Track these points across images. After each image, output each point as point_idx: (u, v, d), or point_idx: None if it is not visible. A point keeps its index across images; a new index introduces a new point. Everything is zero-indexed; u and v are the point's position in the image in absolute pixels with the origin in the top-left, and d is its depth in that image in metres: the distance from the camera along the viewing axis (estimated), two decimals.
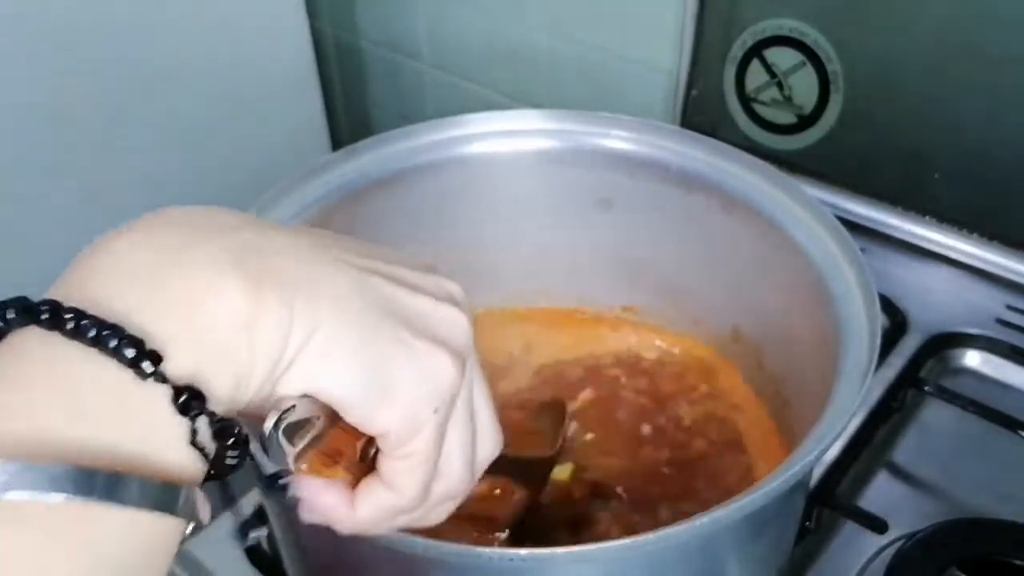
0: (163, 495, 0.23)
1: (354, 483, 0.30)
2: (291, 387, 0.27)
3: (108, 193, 0.86)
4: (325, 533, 0.31)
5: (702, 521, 0.35)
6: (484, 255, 0.61)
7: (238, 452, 0.26)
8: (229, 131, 0.93)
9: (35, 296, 0.25)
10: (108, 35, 0.81)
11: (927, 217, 0.73)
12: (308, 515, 0.30)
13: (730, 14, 0.75)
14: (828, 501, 0.54)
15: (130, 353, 0.23)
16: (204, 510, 0.25)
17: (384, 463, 0.30)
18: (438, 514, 0.33)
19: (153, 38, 0.84)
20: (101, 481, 0.22)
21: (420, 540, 0.35)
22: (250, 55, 0.92)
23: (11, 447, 0.21)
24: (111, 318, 0.24)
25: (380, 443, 0.29)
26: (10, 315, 0.24)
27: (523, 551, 0.35)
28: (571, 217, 0.60)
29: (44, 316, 0.23)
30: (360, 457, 0.30)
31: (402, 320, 0.28)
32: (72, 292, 0.24)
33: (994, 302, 0.69)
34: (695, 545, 0.39)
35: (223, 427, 0.25)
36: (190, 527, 0.25)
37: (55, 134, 0.81)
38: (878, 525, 0.52)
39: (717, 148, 0.55)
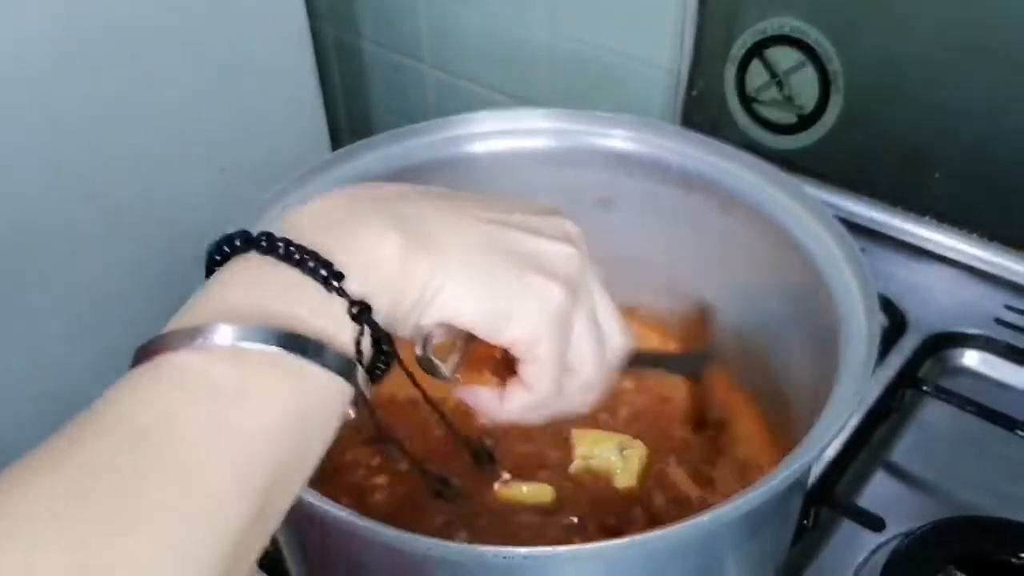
0: (346, 365, 0.31)
1: (501, 383, 0.39)
2: (431, 317, 0.35)
3: (108, 193, 0.87)
4: (324, 532, 0.31)
5: (701, 520, 0.35)
6: None
7: (386, 360, 0.34)
8: (229, 131, 0.94)
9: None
10: (108, 35, 0.81)
11: (927, 217, 0.73)
12: (475, 411, 0.40)
13: (730, 14, 0.75)
14: (826, 500, 0.54)
15: (322, 272, 0.32)
16: (366, 386, 0.33)
17: (520, 367, 0.37)
18: (581, 403, 0.40)
19: (153, 38, 0.84)
20: (309, 345, 0.30)
21: (421, 539, 0.35)
22: (250, 56, 0.92)
23: (246, 318, 0.30)
24: (310, 248, 0.32)
25: (512, 352, 0.37)
26: (237, 242, 0.33)
27: (523, 550, 0.35)
28: (571, 217, 0.60)
29: (263, 243, 0.32)
30: (501, 364, 0.39)
31: (520, 258, 0.36)
32: (283, 232, 0.33)
33: (993, 302, 0.69)
34: (694, 544, 0.39)
35: (380, 337, 0.33)
36: (352, 395, 0.32)
37: (55, 134, 0.81)
38: (876, 524, 0.52)
39: (717, 148, 0.55)
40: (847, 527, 0.54)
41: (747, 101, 0.78)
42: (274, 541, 0.53)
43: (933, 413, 0.62)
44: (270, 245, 0.32)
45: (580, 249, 0.39)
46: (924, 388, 0.61)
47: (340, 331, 0.32)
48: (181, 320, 0.31)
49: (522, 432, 0.52)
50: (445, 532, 0.49)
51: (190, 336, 0.29)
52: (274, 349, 0.30)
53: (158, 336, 0.30)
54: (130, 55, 0.83)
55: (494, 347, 0.37)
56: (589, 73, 0.89)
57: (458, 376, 0.37)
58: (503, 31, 0.93)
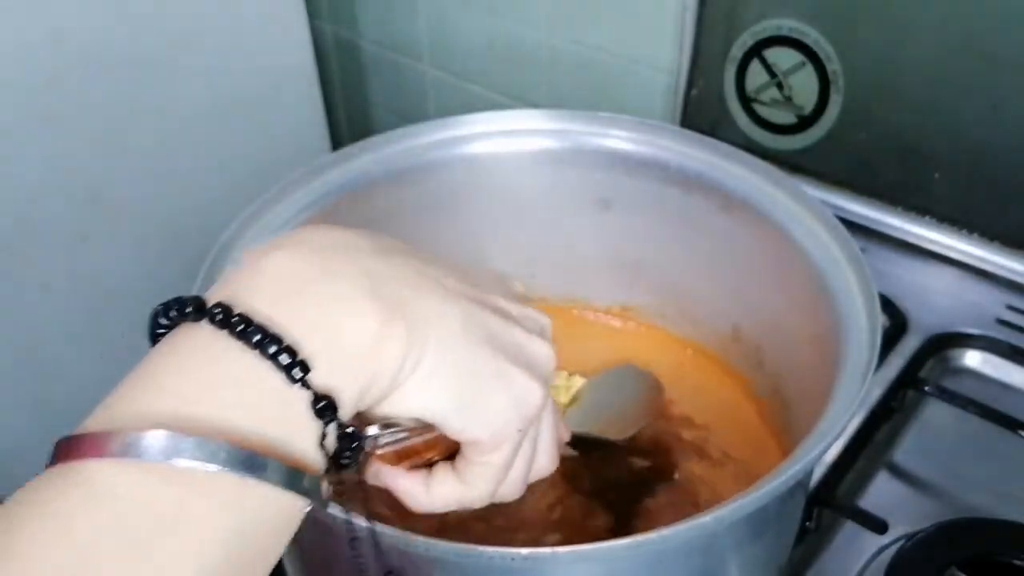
0: (296, 478, 0.27)
1: (418, 468, 0.35)
2: (396, 404, 0.31)
3: (108, 193, 0.86)
4: (324, 533, 0.31)
5: (703, 521, 0.35)
6: (483, 255, 0.61)
7: (353, 455, 0.30)
8: (229, 131, 0.93)
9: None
10: (108, 35, 0.81)
11: (927, 217, 0.73)
12: (397, 491, 0.35)
13: (730, 14, 0.75)
14: (828, 501, 0.54)
15: (285, 360, 0.27)
16: (325, 494, 0.29)
17: (464, 465, 0.34)
18: (500, 497, 0.36)
19: (153, 37, 0.84)
20: (253, 461, 0.26)
21: (420, 539, 0.35)
22: (250, 55, 0.92)
23: (183, 425, 0.26)
24: (271, 328, 0.28)
25: (465, 450, 0.34)
26: (188, 309, 0.28)
27: (523, 551, 0.35)
28: (571, 217, 0.60)
29: (218, 316, 0.28)
30: (424, 464, 0.35)
31: (500, 348, 0.32)
32: (236, 300, 0.28)
33: (994, 302, 0.69)
34: (695, 545, 0.39)
35: (347, 434, 0.29)
36: (309, 507, 0.28)
37: (55, 134, 0.81)
38: (878, 525, 0.52)
39: (717, 148, 0.55)
40: (849, 529, 0.54)
41: (747, 101, 0.78)
42: None
43: (935, 414, 0.62)
44: (225, 319, 0.28)
45: (552, 348, 0.35)
46: (926, 389, 0.61)
47: (299, 433, 0.28)
48: (112, 410, 0.27)
49: None
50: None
51: (117, 443, 0.25)
52: (214, 468, 0.25)
53: (81, 435, 0.26)
54: (130, 55, 0.83)
55: (426, 446, 0.34)
56: (589, 73, 0.89)
57: (380, 454, 0.34)
58: (503, 31, 0.93)
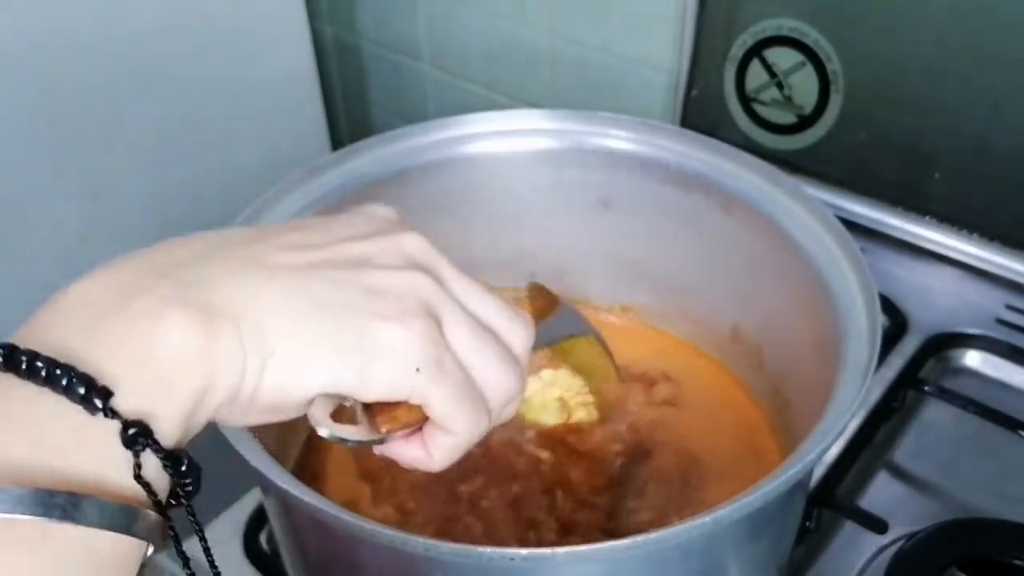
0: (121, 517, 0.25)
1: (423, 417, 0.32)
2: (277, 399, 0.29)
3: (108, 193, 0.86)
4: (323, 533, 0.31)
5: (702, 521, 0.35)
6: (483, 255, 0.61)
7: (191, 481, 0.27)
8: (229, 131, 0.93)
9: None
10: (108, 35, 0.81)
11: (927, 217, 0.73)
12: (408, 466, 0.33)
13: (730, 14, 0.75)
14: (828, 501, 0.54)
15: (80, 390, 0.25)
16: (162, 533, 0.26)
17: (427, 412, 0.32)
18: (508, 414, 0.34)
19: (153, 38, 0.84)
20: (60, 502, 0.23)
21: (420, 540, 0.35)
22: (250, 55, 0.92)
23: None
24: (63, 358, 0.25)
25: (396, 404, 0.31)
26: None
27: (523, 551, 0.35)
28: (571, 217, 0.60)
29: (2, 357, 0.25)
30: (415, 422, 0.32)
31: (352, 305, 0.30)
32: (31, 336, 0.26)
33: (994, 302, 0.69)
34: (695, 545, 0.39)
35: (171, 459, 0.26)
36: (150, 549, 0.26)
37: (55, 134, 0.81)
38: (878, 525, 0.52)
39: (717, 148, 0.55)
40: (850, 529, 0.54)
41: (747, 101, 0.78)
42: (273, 541, 0.53)
43: (935, 414, 0.62)
44: (8, 360, 0.25)
45: (424, 263, 0.33)
46: (926, 389, 0.61)
47: (116, 466, 0.25)
48: None
49: None
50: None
51: None
52: (8, 516, 0.23)
53: None
54: (130, 55, 0.83)
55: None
56: (589, 74, 0.89)
57: (383, 429, 0.32)
58: (503, 31, 0.93)
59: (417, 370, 0.30)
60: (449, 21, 0.97)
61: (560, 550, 0.35)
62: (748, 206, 0.53)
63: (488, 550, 0.35)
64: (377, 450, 0.33)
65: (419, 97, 1.07)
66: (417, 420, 0.32)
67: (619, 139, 0.57)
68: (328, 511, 0.36)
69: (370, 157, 0.55)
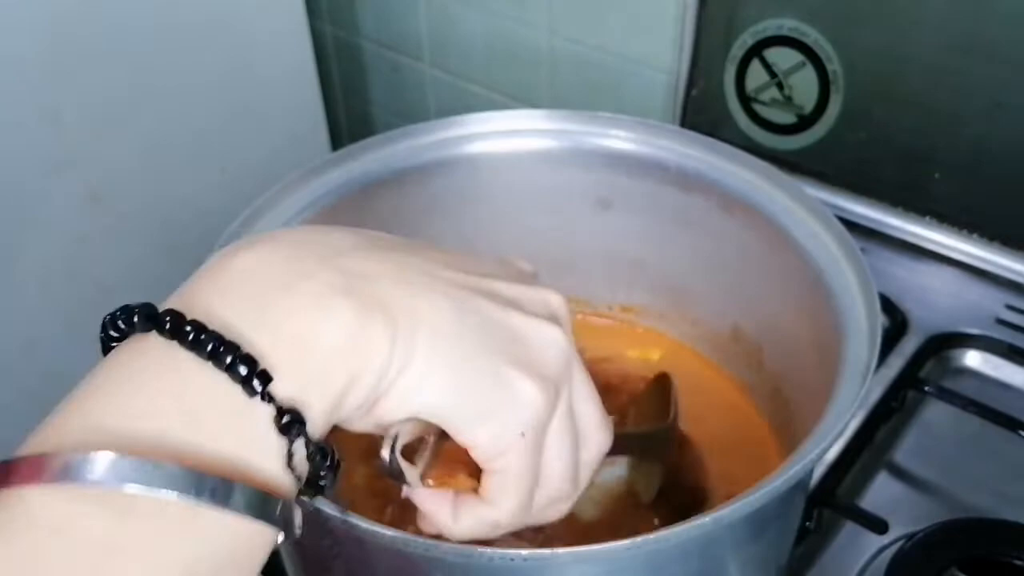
0: (263, 504, 0.24)
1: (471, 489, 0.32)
2: (392, 408, 0.28)
3: (108, 193, 0.86)
4: (323, 533, 0.31)
5: (702, 521, 0.35)
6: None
7: (329, 474, 0.27)
8: (229, 131, 0.93)
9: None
10: (108, 35, 0.81)
11: (927, 217, 0.73)
12: (423, 525, 0.32)
13: (730, 14, 0.75)
14: (828, 501, 0.54)
15: (243, 371, 0.25)
16: (298, 521, 0.26)
17: (484, 477, 0.31)
18: (551, 515, 0.33)
19: (153, 38, 0.84)
20: (210, 485, 0.23)
21: (420, 540, 0.35)
22: (250, 55, 0.92)
23: (132, 445, 0.23)
24: (228, 335, 0.25)
25: (472, 455, 0.30)
26: (136, 319, 0.25)
27: (523, 551, 0.35)
28: (570, 217, 0.60)
29: (167, 325, 0.25)
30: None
31: (497, 344, 0.29)
32: (194, 305, 0.26)
33: (994, 302, 0.69)
34: (695, 545, 0.39)
35: (317, 451, 0.26)
36: (281, 536, 0.26)
37: (55, 134, 0.81)
38: (878, 525, 0.52)
39: (717, 148, 0.55)
40: (850, 529, 0.54)
41: (747, 101, 0.78)
42: None
43: (935, 414, 0.62)
44: (175, 328, 0.25)
45: (565, 329, 0.32)
46: (926, 389, 0.61)
47: (262, 452, 0.25)
48: (51, 430, 0.24)
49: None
50: None
51: (54, 467, 0.22)
52: (164, 493, 0.23)
53: (16, 459, 0.23)
54: (130, 55, 0.83)
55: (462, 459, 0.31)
56: (589, 74, 0.89)
57: (430, 482, 0.31)
58: (503, 31, 0.93)
59: (522, 434, 0.29)
60: (449, 21, 0.97)
61: (560, 550, 0.35)
62: (748, 206, 0.53)
63: (488, 550, 0.35)
64: (406, 490, 0.32)
65: (419, 97, 1.07)
66: (465, 489, 0.31)
67: (619, 139, 0.57)
68: (327, 511, 0.36)
69: (371, 157, 0.55)
